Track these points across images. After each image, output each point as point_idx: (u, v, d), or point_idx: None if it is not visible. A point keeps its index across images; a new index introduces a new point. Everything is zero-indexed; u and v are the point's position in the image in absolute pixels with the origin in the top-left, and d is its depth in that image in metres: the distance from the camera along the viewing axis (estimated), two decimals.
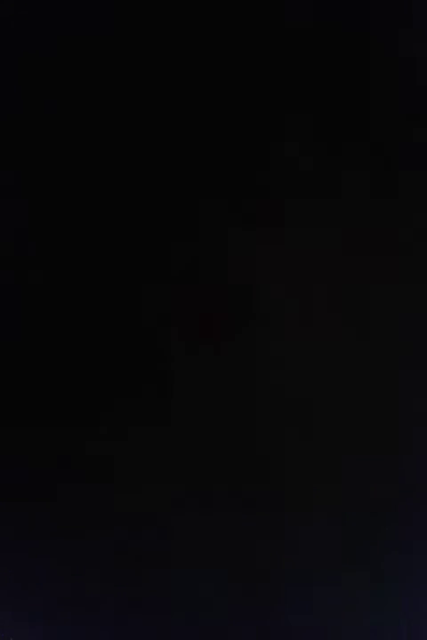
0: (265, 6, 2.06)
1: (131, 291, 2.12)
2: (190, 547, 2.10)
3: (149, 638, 2.10)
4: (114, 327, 2.12)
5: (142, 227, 2.13)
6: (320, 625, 2.04)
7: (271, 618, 2.04)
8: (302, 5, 2.05)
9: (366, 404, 2.08)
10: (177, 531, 2.10)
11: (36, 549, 2.13)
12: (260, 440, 2.08)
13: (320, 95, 2.10)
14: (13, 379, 2.14)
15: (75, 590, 2.13)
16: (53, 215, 2.14)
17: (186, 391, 2.11)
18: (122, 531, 2.13)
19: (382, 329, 2.11)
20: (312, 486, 2.05)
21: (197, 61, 2.11)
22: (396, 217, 2.09)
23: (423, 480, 2.06)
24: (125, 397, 2.11)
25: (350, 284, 2.08)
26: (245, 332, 2.08)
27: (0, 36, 2.09)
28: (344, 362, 2.08)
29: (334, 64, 2.10)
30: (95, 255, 2.14)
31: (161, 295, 2.10)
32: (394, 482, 2.04)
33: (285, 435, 2.06)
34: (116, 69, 2.15)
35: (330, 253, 2.09)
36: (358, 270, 2.09)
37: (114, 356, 2.13)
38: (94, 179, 2.14)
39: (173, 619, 2.10)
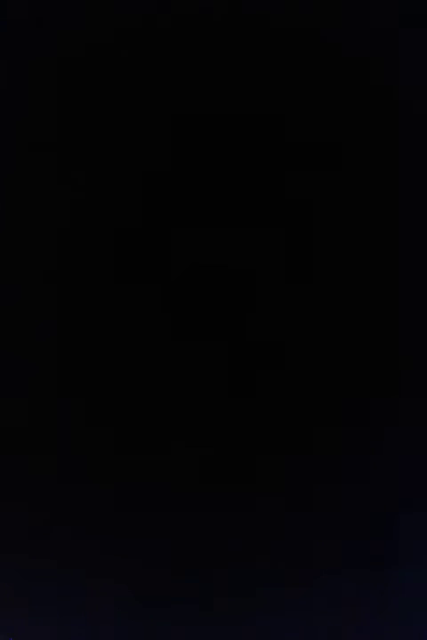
0: None
1: None
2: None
3: (149, 638, 2.12)
4: None
5: None
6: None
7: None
8: None
9: None
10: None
11: (37, 550, 2.15)
12: None
13: None
14: None
15: (75, 590, 2.14)
16: None
17: None
18: (124, 531, 2.15)
19: None
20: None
21: None
22: None
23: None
24: None
25: None
26: None
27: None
28: None
29: None
30: None
31: None
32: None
33: None
34: None
35: None
36: None
37: None
38: None
39: (173, 620, 2.12)
